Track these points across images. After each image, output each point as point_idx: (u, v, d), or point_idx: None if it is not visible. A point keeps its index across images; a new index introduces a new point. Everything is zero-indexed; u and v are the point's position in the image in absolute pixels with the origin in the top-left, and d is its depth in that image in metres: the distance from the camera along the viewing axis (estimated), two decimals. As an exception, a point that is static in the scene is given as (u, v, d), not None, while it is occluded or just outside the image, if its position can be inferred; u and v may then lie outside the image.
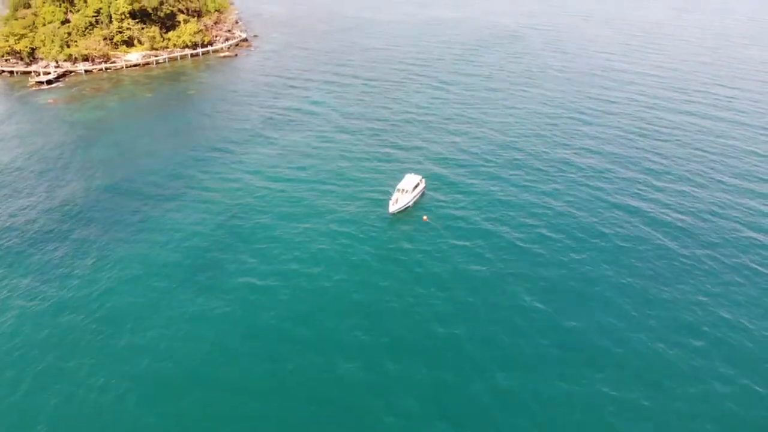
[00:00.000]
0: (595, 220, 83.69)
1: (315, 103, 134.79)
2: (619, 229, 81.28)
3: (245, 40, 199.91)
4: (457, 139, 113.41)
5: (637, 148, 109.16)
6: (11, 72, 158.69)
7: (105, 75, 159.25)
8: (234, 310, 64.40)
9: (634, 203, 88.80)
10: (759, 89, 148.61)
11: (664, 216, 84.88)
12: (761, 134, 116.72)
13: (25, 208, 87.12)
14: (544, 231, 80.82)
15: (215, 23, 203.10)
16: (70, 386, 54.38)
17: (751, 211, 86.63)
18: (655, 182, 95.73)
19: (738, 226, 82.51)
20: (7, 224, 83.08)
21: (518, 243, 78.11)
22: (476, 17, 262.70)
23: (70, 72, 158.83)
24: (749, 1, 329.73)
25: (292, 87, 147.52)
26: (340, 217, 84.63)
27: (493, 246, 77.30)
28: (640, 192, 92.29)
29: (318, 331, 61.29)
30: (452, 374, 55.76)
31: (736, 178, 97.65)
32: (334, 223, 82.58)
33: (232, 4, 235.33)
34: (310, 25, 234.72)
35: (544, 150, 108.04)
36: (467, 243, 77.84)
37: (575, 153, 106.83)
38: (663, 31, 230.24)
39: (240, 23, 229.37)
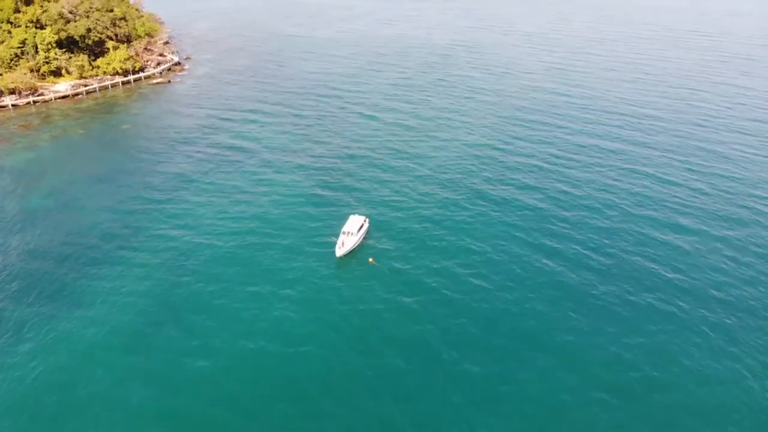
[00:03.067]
0: (504, 256, 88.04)
1: (248, 139, 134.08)
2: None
3: (177, 63, 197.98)
4: (393, 175, 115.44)
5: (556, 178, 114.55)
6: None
7: (33, 109, 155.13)
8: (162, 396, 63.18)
9: (553, 244, 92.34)
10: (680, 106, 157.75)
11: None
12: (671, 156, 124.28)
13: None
14: (481, 270, 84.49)
15: (145, 48, 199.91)
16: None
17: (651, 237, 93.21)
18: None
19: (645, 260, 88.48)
20: None
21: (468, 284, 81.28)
22: (407, 33, 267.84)
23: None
24: (672, 12, 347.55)
25: (225, 120, 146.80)
26: (284, 271, 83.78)
27: (437, 299, 78.41)
28: (559, 229, 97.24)
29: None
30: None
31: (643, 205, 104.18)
32: (278, 281, 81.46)
33: (162, 23, 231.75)
34: (243, 45, 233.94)
35: (471, 184, 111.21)
36: (411, 298, 78.76)
37: (488, 184, 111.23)
38: (580, 47, 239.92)
39: (171, 44, 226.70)
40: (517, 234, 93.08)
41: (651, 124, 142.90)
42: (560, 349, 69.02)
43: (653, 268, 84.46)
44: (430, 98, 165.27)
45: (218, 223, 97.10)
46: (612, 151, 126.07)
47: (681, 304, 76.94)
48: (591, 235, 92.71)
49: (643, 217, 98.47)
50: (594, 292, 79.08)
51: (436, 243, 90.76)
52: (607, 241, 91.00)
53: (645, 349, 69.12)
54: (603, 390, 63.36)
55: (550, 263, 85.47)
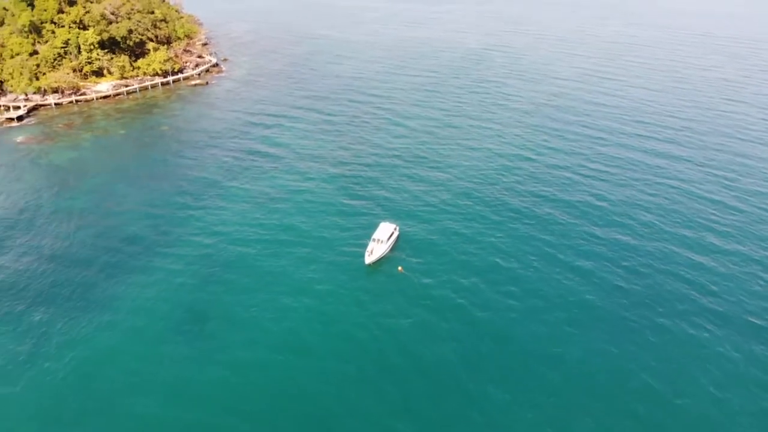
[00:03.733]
0: (536, 273, 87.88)
1: (279, 143, 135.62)
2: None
3: (216, 65, 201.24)
4: (422, 183, 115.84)
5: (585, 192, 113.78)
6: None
7: (76, 108, 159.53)
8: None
9: (583, 262, 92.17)
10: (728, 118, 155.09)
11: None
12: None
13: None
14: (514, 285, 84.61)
15: (184, 50, 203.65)
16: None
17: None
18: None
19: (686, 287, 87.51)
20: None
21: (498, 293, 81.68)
22: (438, 36, 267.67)
23: (41, 105, 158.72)
24: (708, 16, 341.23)
25: (258, 124, 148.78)
26: (312, 281, 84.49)
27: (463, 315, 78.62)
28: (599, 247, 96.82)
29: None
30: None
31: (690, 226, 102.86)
32: (305, 291, 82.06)
33: (200, 25, 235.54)
34: (279, 47, 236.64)
35: (501, 195, 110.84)
36: (436, 314, 78.60)
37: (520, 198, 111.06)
38: (618, 52, 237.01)
39: (209, 45, 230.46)
40: (547, 249, 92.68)
41: (687, 136, 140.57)
42: (588, 377, 67.98)
43: (685, 290, 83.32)
44: (461, 104, 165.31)
45: (247, 230, 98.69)
46: (646, 164, 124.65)
47: (714, 330, 75.52)
48: (623, 253, 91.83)
49: (677, 236, 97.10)
50: (625, 314, 78.17)
51: (464, 256, 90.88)
52: (639, 260, 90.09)
53: (674, 377, 68.01)
54: (630, 418, 62.78)
55: (579, 282, 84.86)
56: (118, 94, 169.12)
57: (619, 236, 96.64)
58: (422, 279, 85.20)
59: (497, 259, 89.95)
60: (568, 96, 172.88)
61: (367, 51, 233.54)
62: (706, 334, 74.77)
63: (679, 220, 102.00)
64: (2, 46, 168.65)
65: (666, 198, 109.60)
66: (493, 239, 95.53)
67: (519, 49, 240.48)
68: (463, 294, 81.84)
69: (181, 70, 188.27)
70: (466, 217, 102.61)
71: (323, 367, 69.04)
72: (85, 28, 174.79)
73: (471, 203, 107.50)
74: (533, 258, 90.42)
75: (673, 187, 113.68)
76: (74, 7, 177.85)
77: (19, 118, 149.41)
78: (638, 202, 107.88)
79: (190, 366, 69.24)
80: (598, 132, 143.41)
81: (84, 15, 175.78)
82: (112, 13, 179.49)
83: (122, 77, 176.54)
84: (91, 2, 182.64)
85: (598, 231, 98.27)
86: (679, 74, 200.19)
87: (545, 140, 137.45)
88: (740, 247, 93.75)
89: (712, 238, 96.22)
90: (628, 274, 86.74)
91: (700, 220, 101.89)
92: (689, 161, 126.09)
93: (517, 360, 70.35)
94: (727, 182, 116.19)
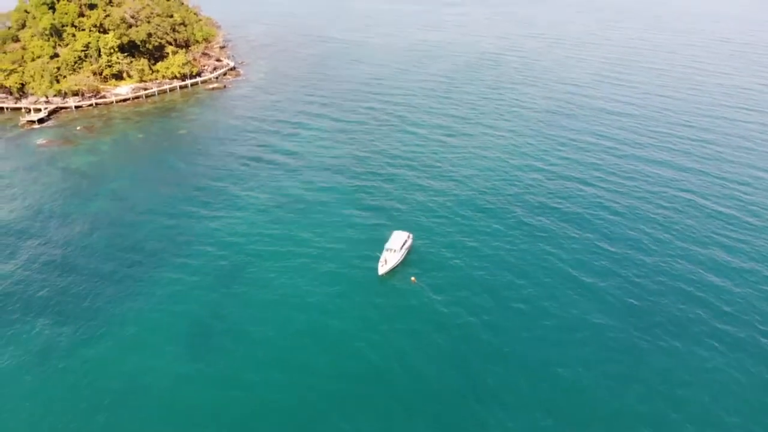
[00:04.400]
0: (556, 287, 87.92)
1: (294, 150, 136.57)
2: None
3: (233, 68, 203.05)
4: (435, 192, 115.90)
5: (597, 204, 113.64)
6: (0, 108, 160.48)
7: (96, 111, 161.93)
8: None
9: (596, 280, 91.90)
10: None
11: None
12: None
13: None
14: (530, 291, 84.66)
15: (203, 53, 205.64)
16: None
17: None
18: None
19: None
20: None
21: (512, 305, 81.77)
22: (453, 39, 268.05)
23: (61, 108, 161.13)
24: (721, 19, 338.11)
25: (274, 130, 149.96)
26: (325, 292, 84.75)
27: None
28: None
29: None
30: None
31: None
32: (318, 301, 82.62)
33: (218, 28, 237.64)
34: (295, 50, 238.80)
35: (514, 207, 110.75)
36: (445, 332, 78.13)
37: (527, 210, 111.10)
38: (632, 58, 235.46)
39: (227, 48, 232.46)
40: (560, 265, 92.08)
41: (703, 147, 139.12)
42: (602, 403, 67.05)
43: (698, 310, 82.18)
44: (475, 111, 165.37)
45: (261, 238, 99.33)
46: (660, 176, 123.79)
47: (728, 354, 74.46)
48: (635, 270, 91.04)
49: (691, 252, 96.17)
50: (636, 334, 77.34)
51: (475, 269, 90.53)
52: (651, 277, 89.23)
53: (687, 404, 67.12)
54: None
55: (591, 300, 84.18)
56: (137, 98, 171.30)
57: (631, 252, 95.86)
58: (434, 293, 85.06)
59: (508, 273, 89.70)
60: (582, 104, 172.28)
61: (382, 54, 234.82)
62: (720, 359, 73.57)
63: (693, 235, 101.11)
64: (24, 49, 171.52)
65: (680, 212, 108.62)
66: (504, 252, 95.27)
67: (533, 53, 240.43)
68: (474, 309, 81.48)
69: (199, 74, 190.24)
70: (478, 229, 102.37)
71: (331, 384, 68.91)
72: (105, 31, 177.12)
73: (483, 214, 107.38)
74: (545, 273, 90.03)
75: (688, 201, 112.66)
76: (95, 10, 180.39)
77: (40, 121, 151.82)
78: (652, 216, 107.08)
79: (195, 381, 69.47)
80: (613, 142, 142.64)
81: (104, 19, 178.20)
82: (132, 17, 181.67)
83: (141, 80, 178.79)
84: (112, 6, 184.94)
85: (610, 246, 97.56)
86: (695, 81, 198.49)
87: (558, 150, 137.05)
88: (756, 266, 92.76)
89: (725, 255, 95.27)
90: (641, 291, 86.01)
91: (715, 236, 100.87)
92: (705, 174, 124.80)
93: (527, 381, 69.85)
94: (743, 196, 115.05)
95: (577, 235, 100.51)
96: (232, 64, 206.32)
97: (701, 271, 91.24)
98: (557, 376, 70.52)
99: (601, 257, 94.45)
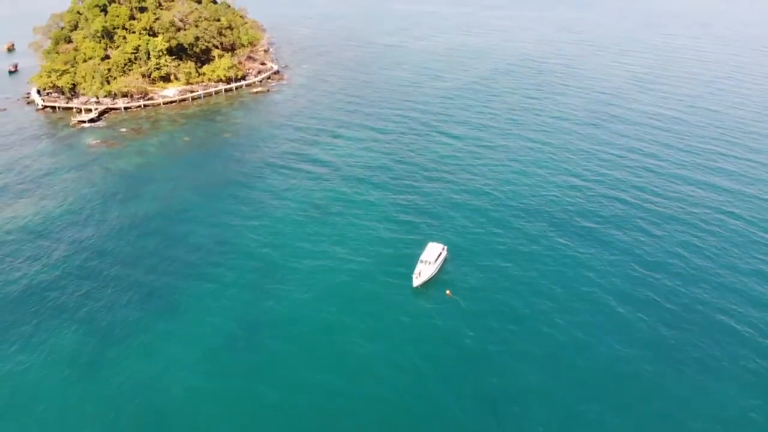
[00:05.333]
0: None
1: (333, 156, 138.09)
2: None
3: (276, 72, 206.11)
4: (472, 202, 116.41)
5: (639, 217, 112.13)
6: (53, 108, 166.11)
7: (143, 112, 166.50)
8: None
9: (633, 292, 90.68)
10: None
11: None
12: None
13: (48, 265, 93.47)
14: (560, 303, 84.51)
15: (248, 57, 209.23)
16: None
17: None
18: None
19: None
20: (25, 290, 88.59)
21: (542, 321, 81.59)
22: (498, 44, 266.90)
23: (111, 109, 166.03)
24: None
25: (314, 135, 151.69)
26: (359, 303, 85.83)
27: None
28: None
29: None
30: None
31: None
32: (352, 312, 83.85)
33: (264, 31, 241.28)
34: (336, 54, 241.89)
35: (551, 222, 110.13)
36: (481, 345, 79.01)
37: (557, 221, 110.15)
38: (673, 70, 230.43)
39: (271, 51, 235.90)
40: (598, 280, 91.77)
41: (751, 167, 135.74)
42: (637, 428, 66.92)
43: (737, 328, 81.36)
44: (516, 120, 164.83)
45: (298, 245, 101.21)
46: (704, 191, 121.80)
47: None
48: (671, 297, 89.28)
49: (732, 269, 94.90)
50: (676, 354, 76.67)
51: (512, 284, 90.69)
52: (688, 307, 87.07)
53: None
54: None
55: (629, 317, 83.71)
56: (183, 100, 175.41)
57: (667, 278, 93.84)
58: (469, 308, 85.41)
59: (544, 290, 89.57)
60: (625, 116, 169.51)
61: (421, 59, 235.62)
62: (754, 401, 72.02)
63: (735, 262, 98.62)
64: (76, 50, 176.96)
65: (722, 236, 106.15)
66: (539, 270, 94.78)
67: (577, 59, 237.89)
68: (509, 327, 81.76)
69: (243, 77, 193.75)
70: (513, 248, 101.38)
71: (363, 393, 70.28)
72: (154, 34, 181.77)
73: (520, 228, 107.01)
74: (581, 293, 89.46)
75: (731, 226, 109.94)
76: (145, 14, 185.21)
77: (91, 121, 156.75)
78: (691, 240, 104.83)
79: (238, 381, 71.88)
80: (655, 159, 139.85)
81: (154, 22, 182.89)
82: (181, 20, 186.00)
83: (188, 83, 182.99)
84: (161, 9, 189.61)
85: (647, 271, 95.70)
86: (743, 94, 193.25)
87: (599, 166, 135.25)
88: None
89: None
90: (675, 320, 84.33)
91: (757, 255, 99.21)
92: (751, 197, 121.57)
93: (560, 404, 69.77)
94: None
95: (613, 258, 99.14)
96: (275, 67, 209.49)
97: (742, 301, 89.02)
98: (590, 397, 70.16)
99: (637, 281, 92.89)
